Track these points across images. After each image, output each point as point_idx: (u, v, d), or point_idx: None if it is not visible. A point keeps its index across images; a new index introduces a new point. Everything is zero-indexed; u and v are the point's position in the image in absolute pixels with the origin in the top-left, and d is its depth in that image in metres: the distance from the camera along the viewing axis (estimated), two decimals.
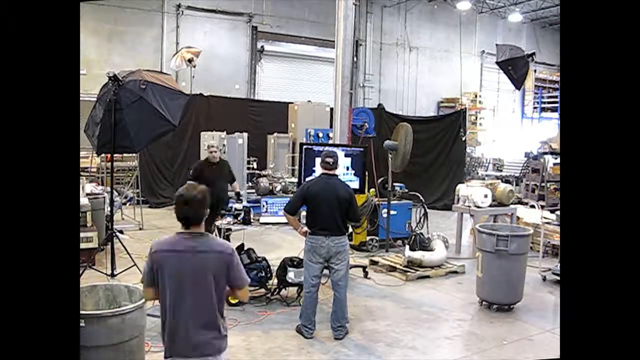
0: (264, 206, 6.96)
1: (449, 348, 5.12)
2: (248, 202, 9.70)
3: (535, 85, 22.76)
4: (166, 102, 6.14)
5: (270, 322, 5.48)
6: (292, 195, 6.68)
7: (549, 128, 21.69)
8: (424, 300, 6.36)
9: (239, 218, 6.24)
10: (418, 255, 7.37)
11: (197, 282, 2.83)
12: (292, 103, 13.49)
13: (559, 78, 19.78)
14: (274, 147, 12.59)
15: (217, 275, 2.85)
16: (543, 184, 12.79)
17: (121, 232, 8.65)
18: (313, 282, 5.14)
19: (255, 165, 11.60)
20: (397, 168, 8.65)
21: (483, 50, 20.95)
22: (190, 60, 12.94)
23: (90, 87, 11.10)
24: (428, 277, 7.19)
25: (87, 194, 7.81)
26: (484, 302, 6.13)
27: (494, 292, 6.03)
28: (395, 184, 8.77)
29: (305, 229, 5.17)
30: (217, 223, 6.20)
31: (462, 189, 8.94)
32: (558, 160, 12.52)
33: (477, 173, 17.82)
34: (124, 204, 10.82)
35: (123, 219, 10.10)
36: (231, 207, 6.56)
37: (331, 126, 10.02)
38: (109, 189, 7.74)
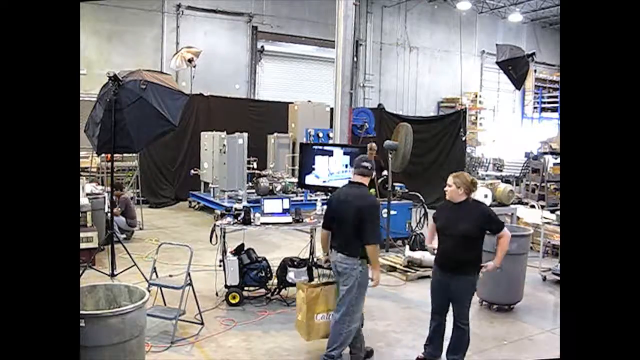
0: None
1: None
2: (248, 202, 9.70)
3: (535, 85, 22.76)
4: (166, 102, 6.13)
5: (270, 322, 5.48)
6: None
7: (549, 128, 21.68)
8: (424, 300, 6.30)
9: (239, 218, 6.23)
10: (418, 255, 7.36)
11: None
12: (292, 103, 13.49)
13: (559, 78, 19.77)
14: (274, 147, 12.58)
15: None
16: (543, 184, 12.79)
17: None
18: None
19: (255, 165, 11.59)
20: (397, 168, 8.64)
21: (483, 50, 20.95)
22: (190, 60, 12.93)
23: (90, 87, 11.11)
24: (428, 277, 7.10)
25: (87, 194, 7.81)
26: (484, 302, 6.13)
27: (494, 292, 6.02)
28: (395, 184, 8.77)
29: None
30: (217, 223, 6.19)
31: None
32: (558, 160, 12.52)
33: (477, 173, 17.79)
34: None
35: None
36: (231, 207, 6.55)
37: (331, 126, 10.04)
38: (109, 189, 7.73)
